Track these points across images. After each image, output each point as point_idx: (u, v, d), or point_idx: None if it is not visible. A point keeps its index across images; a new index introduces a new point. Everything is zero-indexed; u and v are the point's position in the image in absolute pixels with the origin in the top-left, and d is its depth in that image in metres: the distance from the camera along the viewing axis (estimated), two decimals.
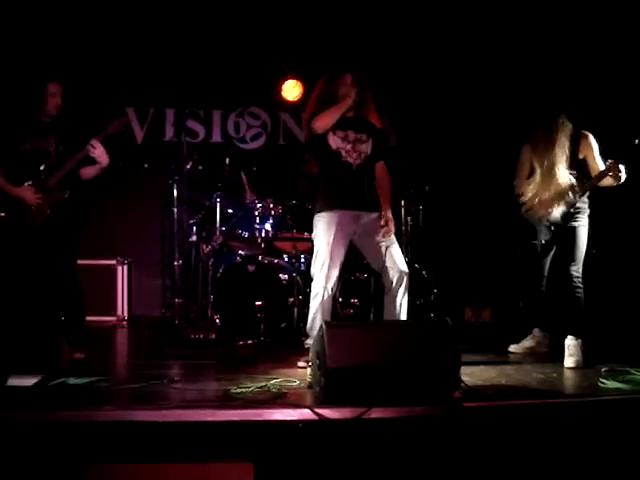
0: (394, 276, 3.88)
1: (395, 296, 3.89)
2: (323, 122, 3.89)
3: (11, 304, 4.13)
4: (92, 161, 4.13)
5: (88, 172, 4.22)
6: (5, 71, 5.90)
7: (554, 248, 4.28)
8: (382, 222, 3.91)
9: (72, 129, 4.20)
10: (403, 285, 3.89)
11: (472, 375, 3.38)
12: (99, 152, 4.06)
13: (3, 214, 4.12)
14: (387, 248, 3.88)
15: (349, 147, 3.93)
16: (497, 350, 4.43)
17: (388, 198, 4.02)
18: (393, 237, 3.95)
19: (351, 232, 3.94)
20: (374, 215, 3.94)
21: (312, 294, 3.92)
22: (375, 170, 4.04)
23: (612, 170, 3.92)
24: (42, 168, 4.10)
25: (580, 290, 4.08)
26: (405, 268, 3.91)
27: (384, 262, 3.88)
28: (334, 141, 3.93)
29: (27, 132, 4.13)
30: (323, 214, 3.93)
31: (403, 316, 3.90)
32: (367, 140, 3.98)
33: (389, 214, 3.95)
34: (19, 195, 4.05)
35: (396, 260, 3.90)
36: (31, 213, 4.06)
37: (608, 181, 4.04)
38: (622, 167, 3.91)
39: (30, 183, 4.07)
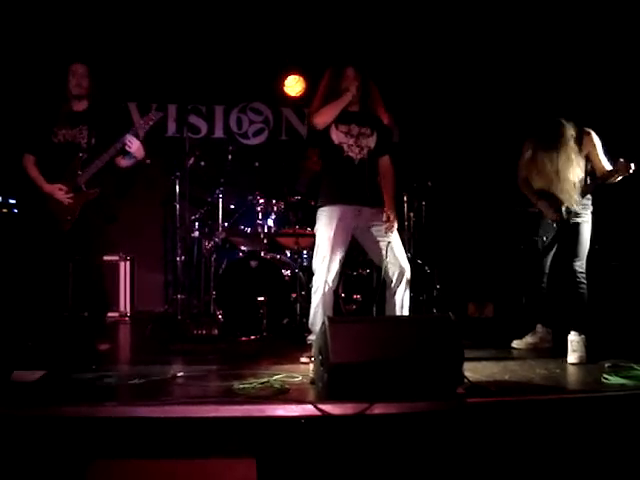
0: (395, 272, 3.87)
1: (396, 292, 3.89)
2: (323, 118, 3.90)
3: (16, 299, 4.15)
4: (124, 153, 4.11)
5: (123, 163, 4.18)
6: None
7: (556, 244, 4.27)
8: (384, 218, 3.90)
9: (105, 121, 4.14)
10: (404, 281, 3.88)
11: (475, 371, 3.37)
12: (136, 147, 4.05)
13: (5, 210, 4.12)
14: (389, 244, 3.88)
15: (352, 141, 3.93)
16: (500, 346, 4.42)
17: (391, 193, 4.01)
18: (395, 232, 3.95)
19: (352, 227, 3.94)
20: (376, 210, 3.93)
21: (313, 288, 3.93)
22: (379, 165, 4.04)
23: (622, 170, 3.90)
24: (74, 162, 4.06)
25: (584, 286, 4.07)
26: (406, 264, 3.91)
27: (385, 258, 3.88)
28: (337, 135, 3.93)
29: (59, 121, 4.09)
30: (325, 208, 3.94)
31: (405, 311, 3.90)
32: (371, 134, 3.98)
33: (392, 210, 3.94)
34: (50, 193, 4.04)
35: (397, 256, 3.90)
36: (61, 213, 4.04)
37: (615, 177, 4.01)
38: (633, 165, 3.89)
39: (62, 182, 4.04)
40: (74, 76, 4.08)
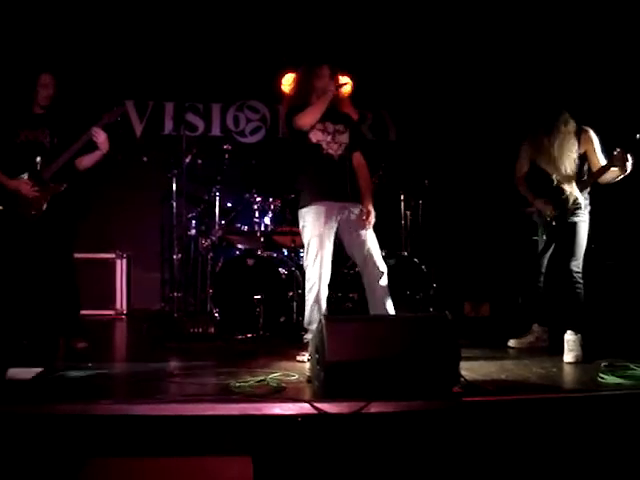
0: (373, 269, 3.90)
1: (376, 290, 3.92)
2: (309, 119, 3.89)
3: (10, 297, 4.14)
4: (88, 151, 4.15)
5: (85, 162, 4.22)
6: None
7: (554, 244, 4.27)
8: (364, 214, 3.93)
9: (66, 121, 4.20)
10: (384, 278, 3.91)
11: (471, 370, 3.37)
12: (102, 138, 4.07)
13: (1, 207, 4.12)
14: (368, 241, 3.91)
15: (329, 139, 3.96)
16: (496, 345, 4.43)
17: (368, 189, 4.05)
18: (372, 231, 3.97)
19: (337, 223, 3.95)
20: (357, 206, 3.96)
21: (307, 287, 3.92)
22: (353, 161, 4.06)
23: (619, 160, 3.86)
24: (37, 160, 4.10)
25: (580, 285, 4.06)
26: (382, 263, 3.93)
27: (364, 255, 3.91)
28: (314, 134, 3.94)
29: (21, 124, 4.14)
30: (311, 207, 3.92)
31: (389, 307, 3.92)
32: (345, 131, 4.01)
33: (370, 205, 3.97)
34: (16, 188, 4.06)
35: (374, 254, 3.92)
36: (28, 206, 4.08)
37: (613, 174, 4.00)
38: (630, 157, 3.85)
39: (26, 176, 4.08)
40: (44, 88, 4.12)
